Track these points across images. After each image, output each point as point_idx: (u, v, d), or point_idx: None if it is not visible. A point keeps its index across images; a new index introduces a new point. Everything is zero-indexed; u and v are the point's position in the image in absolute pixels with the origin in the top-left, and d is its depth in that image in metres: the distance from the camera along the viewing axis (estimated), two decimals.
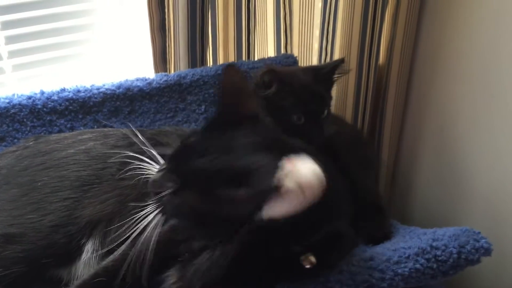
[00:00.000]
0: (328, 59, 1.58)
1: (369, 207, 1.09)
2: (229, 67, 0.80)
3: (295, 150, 0.68)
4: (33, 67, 1.45)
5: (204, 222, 0.76)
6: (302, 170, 0.62)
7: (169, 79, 1.29)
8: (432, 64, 1.56)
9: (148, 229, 0.79)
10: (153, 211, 0.78)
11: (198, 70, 1.33)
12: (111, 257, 0.88)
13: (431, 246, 0.85)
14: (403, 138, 1.73)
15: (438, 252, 0.84)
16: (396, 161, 1.76)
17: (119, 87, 1.24)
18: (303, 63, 1.60)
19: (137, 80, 1.27)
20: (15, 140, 1.14)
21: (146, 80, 1.28)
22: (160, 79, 1.28)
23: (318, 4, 1.50)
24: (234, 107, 0.79)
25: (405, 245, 0.88)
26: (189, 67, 1.39)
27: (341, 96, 1.64)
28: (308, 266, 0.74)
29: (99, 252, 0.92)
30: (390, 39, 1.58)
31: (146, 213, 0.79)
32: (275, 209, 0.63)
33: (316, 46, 1.57)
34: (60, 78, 1.46)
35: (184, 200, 0.73)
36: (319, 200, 0.66)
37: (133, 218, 0.83)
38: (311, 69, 1.21)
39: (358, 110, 1.64)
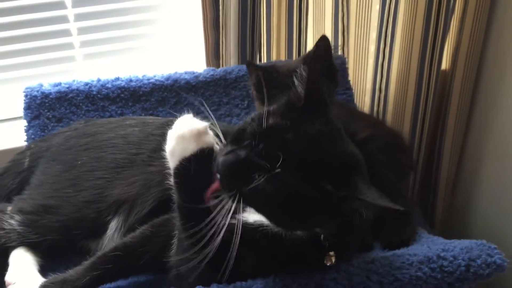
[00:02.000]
0: (385, 63, 1.54)
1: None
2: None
3: None
4: (102, 56, 1.58)
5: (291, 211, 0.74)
6: None
7: (215, 73, 1.34)
8: (500, 72, 1.46)
9: None
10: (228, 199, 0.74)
11: (244, 66, 1.37)
12: (132, 234, 0.95)
13: (438, 256, 0.82)
14: (465, 152, 1.64)
15: (445, 263, 0.81)
16: (456, 176, 1.68)
17: (167, 78, 1.32)
18: (358, 65, 1.58)
19: (185, 73, 1.35)
20: (70, 122, 1.26)
21: (193, 73, 1.34)
22: (207, 73, 1.34)
23: (376, 6, 1.47)
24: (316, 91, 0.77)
25: (412, 252, 0.85)
26: (239, 64, 1.43)
27: (399, 104, 1.59)
28: (328, 264, 0.76)
29: (122, 229, 0.99)
30: (455, 44, 1.51)
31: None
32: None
33: (372, 48, 1.54)
34: (126, 68, 1.57)
35: (282, 184, 0.70)
36: None
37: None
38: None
39: (417, 120, 1.58)
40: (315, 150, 0.72)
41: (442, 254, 0.82)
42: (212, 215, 0.73)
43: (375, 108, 1.62)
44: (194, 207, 0.78)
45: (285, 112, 0.77)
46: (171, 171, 0.83)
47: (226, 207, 0.72)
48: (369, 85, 1.60)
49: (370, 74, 1.58)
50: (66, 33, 1.52)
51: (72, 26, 1.51)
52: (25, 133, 1.25)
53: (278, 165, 0.69)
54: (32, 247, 1.02)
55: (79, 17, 1.51)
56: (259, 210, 0.75)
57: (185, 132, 0.80)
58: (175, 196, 0.83)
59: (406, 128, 1.61)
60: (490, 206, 1.54)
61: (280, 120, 0.75)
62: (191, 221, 0.78)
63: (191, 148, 0.80)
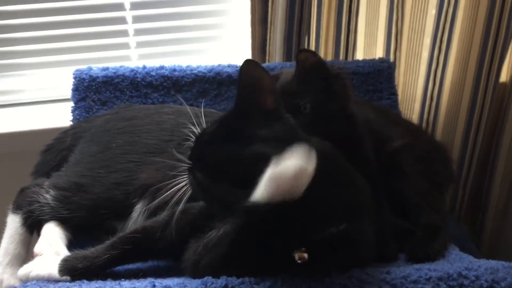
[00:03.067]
0: (439, 70, 1.48)
1: (420, 224, 1.02)
2: (247, 61, 0.80)
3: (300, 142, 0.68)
4: (156, 45, 1.64)
5: (210, 203, 0.81)
6: (282, 163, 0.62)
7: None
8: None
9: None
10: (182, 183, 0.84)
11: (288, 64, 1.36)
12: (153, 218, 0.96)
13: (460, 274, 0.77)
14: None
15: (466, 282, 0.76)
16: (509, 196, 1.58)
17: (210, 70, 1.33)
18: (409, 70, 1.53)
19: (228, 66, 1.35)
20: (114, 106, 1.30)
21: (236, 67, 1.35)
22: None
23: (432, 11, 1.41)
24: (252, 100, 0.80)
25: (433, 267, 0.80)
26: (284, 61, 1.42)
27: (451, 115, 1.52)
28: (299, 261, 0.73)
29: (145, 213, 1.01)
30: None
31: (177, 183, 0.85)
32: (259, 195, 0.64)
33: (425, 54, 1.48)
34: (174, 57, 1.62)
35: (195, 179, 0.78)
36: (311, 197, 0.66)
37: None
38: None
39: (470, 133, 1.51)
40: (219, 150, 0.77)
41: (464, 273, 0.77)
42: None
43: (425, 117, 1.55)
44: None
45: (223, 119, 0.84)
46: None
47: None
48: (419, 92, 1.54)
49: (421, 81, 1.52)
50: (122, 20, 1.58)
51: (128, 14, 1.57)
52: (71, 114, 1.31)
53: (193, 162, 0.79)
54: (63, 222, 1.05)
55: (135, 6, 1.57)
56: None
57: None
58: None
59: (457, 140, 1.53)
60: None
61: (213, 126, 0.83)
62: None
63: None
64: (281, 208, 0.65)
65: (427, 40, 1.46)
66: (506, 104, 1.48)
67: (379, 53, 1.54)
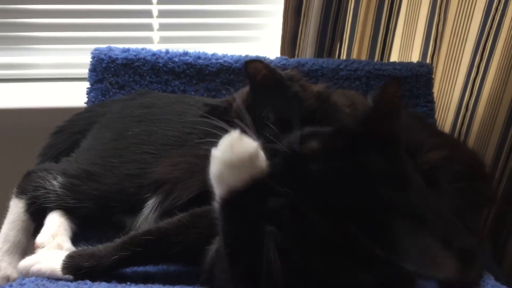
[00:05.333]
0: (478, 79, 1.39)
1: (454, 248, 0.93)
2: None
3: None
4: (181, 29, 1.56)
5: None
6: None
7: (287, 63, 1.25)
8: None
9: None
10: None
11: (320, 60, 1.27)
12: (168, 219, 0.89)
13: None
14: None
15: None
16: None
17: (237, 61, 1.25)
18: (446, 77, 1.43)
19: (257, 57, 1.26)
20: (132, 91, 1.22)
21: (265, 59, 1.26)
22: (279, 62, 1.25)
23: (478, 16, 1.31)
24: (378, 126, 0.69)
25: None
26: (315, 56, 1.34)
27: (485, 127, 1.43)
28: None
29: (157, 211, 0.93)
30: None
31: None
32: None
33: (466, 61, 1.38)
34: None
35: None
36: None
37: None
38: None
39: (503, 147, 1.42)
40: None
41: None
42: None
43: (458, 127, 1.46)
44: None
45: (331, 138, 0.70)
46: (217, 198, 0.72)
47: None
48: (455, 101, 1.45)
49: (458, 89, 1.43)
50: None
51: None
52: (86, 96, 1.23)
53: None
54: (69, 212, 0.98)
55: None
56: None
57: (233, 159, 0.67)
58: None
59: (489, 154, 1.45)
60: None
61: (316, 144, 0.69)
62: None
63: (241, 177, 0.67)
64: None
65: (470, 46, 1.36)
66: None
67: (415, 56, 1.45)
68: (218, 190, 0.70)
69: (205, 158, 0.90)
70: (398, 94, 0.70)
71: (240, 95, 1.01)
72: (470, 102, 1.43)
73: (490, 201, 1.13)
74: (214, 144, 0.73)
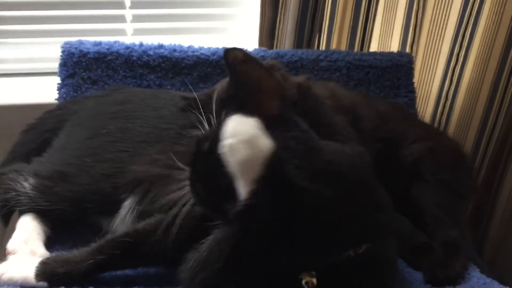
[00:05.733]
0: (457, 68, 1.38)
1: (439, 240, 0.92)
2: (235, 52, 0.70)
3: None
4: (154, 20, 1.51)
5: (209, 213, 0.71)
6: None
7: (266, 55, 1.22)
8: None
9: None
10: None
11: (299, 51, 1.25)
12: (146, 220, 0.85)
13: None
14: None
15: None
16: None
17: (214, 53, 1.21)
18: (427, 65, 1.43)
19: None
20: (105, 86, 1.17)
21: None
22: (257, 54, 1.22)
23: (457, 4, 1.30)
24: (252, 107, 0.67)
25: None
26: (293, 47, 1.31)
27: (465, 116, 1.44)
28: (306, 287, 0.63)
29: (134, 211, 0.90)
30: None
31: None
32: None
33: (445, 49, 1.38)
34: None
35: (194, 189, 0.69)
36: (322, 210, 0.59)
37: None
38: None
39: (483, 136, 1.43)
40: None
41: None
42: None
43: (438, 117, 1.46)
44: None
45: None
46: None
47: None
48: (435, 90, 1.45)
49: (438, 78, 1.43)
50: None
51: None
52: (57, 91, 1.18)
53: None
54: (42, 215, 0.94)
55: None
56: None
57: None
58: None
59: (469, 143, 1.46)
60: None
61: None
62: None
63: None
64: (280, 218, 0.57)
65: (449, 34, 1.35)
66: None
67: (394, 44, 1.43)
68: None
69: (184, 154, 0.88)
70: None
71: (221, 85, 0.98)
72: (450, 91, 1.43)
73: (473, 191, 1.12)
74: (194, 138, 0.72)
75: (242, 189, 0.61)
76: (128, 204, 0.91)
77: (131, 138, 0.97)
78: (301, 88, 0.97)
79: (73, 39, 1.22)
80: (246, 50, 1.22)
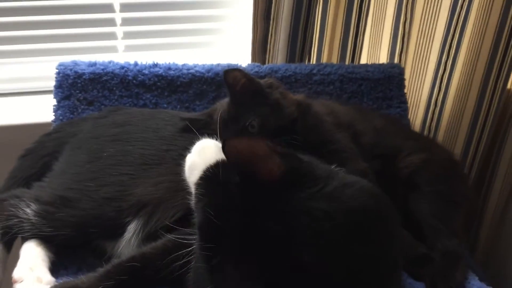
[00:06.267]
0: (445, 76, 1.41)
1: (438, 250, 0.95)
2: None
3: None
4: (145, 36, 1.51)
5: None
6: None
7: (260, 70, 1.24)
8: None
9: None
10: None
11: (292, 66, 1.26)
12: (152, 244, 0.86)
13: None
14: None
15: None
16: (506, 207, 1.54)
17: (208, 70, 1.22)
18: (415, 75, 1.45)
19: (228, 66, 1.24)
20: (102, 106, 1.17)
21: (237, 67, 1.24)
22: (251, 69, 1.23)
23: (444, 14, 1.33)
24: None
25: None
26: (286, 61, 1.33)
27: (454, 122, 1.46)
28: None
29: (140, 235, 0.90)
30: None
31: None
32: None
33: (433, 58, 1.41)
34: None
35: None
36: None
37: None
38: None
39: (472, 141, 1.46)
40: None
41: None
42: None
43: (428, 123, 1.49)
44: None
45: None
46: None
47: None
48: (424, 98, 1.48)
49: (427, 86, 1.46)
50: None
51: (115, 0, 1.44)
52: (53, 113, 1.18)
53: None
54: (46, 240, 0.94)
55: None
56: None
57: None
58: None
59: (458, 148, 1.48)
60: None
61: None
62: None
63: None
64: None
65: (437, 44, 1.38)
66: (511, 115, 1.42)
67: (383, 55, 1.46)
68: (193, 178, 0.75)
69: None
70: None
71: (221, 105, 1.01)
72: (438, 98, 1.45)
73: (467, 199, 1.15)
74: None
75: None
76: (133, 228, 0.91)
77: (132, 160, 0.97)
78: (301, 106, 0.99)
79: (65, 57, 1.23)
80: (240, 66, 1.25)
